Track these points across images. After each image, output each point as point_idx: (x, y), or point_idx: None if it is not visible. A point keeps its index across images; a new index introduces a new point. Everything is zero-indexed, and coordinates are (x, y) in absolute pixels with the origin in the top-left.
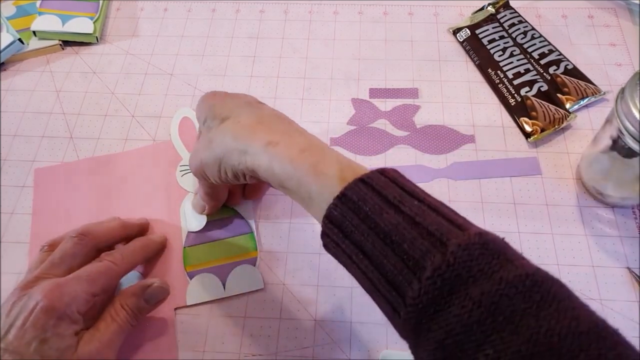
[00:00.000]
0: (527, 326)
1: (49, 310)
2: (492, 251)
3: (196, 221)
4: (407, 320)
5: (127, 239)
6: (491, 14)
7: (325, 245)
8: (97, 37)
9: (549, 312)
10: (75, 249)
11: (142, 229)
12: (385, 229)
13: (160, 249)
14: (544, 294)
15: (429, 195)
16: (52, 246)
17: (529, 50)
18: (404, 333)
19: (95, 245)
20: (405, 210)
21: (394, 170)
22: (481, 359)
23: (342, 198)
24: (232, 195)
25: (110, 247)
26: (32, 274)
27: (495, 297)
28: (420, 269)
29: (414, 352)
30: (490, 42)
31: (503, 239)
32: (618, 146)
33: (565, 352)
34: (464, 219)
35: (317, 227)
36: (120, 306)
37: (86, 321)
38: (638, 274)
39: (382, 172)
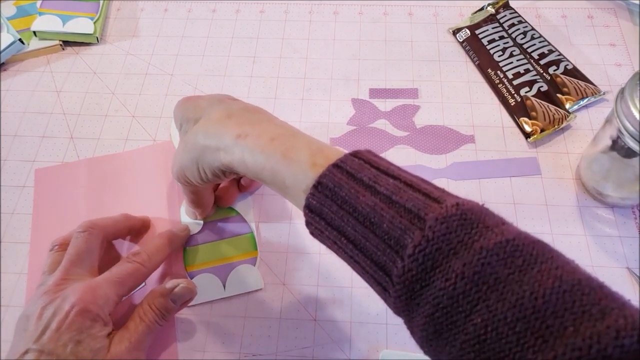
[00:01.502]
0: (512, 292)
1: (84, 312)
2: (470, 221)
3: (193, 225)
4: (397, 299)
5: (132, 230)
6: (491, 14)
7: (312, 234)
8: (97, 38)
9: (531, 275)
10: (89, 244)
11: (144, 224)
12: (363, 211)
13: (184, 242)
14: (525, 257)
15: (405, 172)
16: (62, 245)
17: (529, 50)
18: (396, 311)
19: (105, 236)
20: (381, 190)
21: (368, 151)
22: (470, 329)
23: (318, 186)
24: (228, 195)
25: (116, 238)
26: (56, 276)
27: (477, 266)
28: (401, 247)
29: (409, 328)
30: (490, 42)
31: (483, 204)
32: (618, 146)
33: (550, 313)
34: (442, 191)
35: None
36: (149, 306)
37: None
38: (638, 274)
39: (356, 154)
